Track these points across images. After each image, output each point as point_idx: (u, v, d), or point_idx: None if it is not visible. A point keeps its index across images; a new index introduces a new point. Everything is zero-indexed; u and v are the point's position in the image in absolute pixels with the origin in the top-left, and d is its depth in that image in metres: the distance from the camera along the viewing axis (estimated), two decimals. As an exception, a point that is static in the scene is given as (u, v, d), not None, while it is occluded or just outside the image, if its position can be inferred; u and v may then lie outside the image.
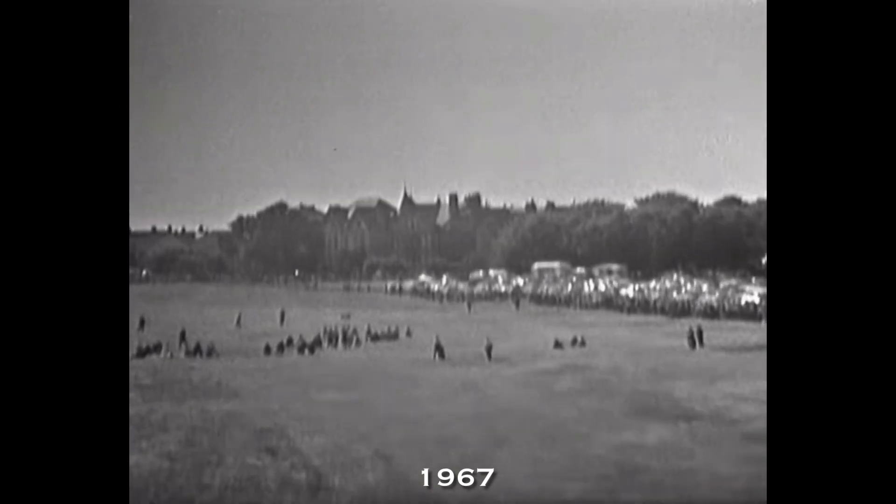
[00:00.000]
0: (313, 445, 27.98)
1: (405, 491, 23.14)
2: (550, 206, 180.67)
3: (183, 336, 61.55)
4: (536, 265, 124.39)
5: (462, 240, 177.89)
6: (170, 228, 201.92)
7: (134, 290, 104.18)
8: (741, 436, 28.14)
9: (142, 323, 70.44)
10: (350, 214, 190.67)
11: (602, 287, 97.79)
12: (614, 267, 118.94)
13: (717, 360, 46.55)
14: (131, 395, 34.68)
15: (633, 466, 25.77)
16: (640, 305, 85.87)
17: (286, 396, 37.62)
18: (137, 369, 45.52)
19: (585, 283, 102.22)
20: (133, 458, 25.20)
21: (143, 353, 56.12)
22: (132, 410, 31.67)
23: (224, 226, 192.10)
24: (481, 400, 37.25)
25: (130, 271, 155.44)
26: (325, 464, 25.70)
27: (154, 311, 77.31)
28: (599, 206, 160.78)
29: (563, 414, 33.93)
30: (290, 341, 61.03)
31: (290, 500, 22.10)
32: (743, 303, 76.27)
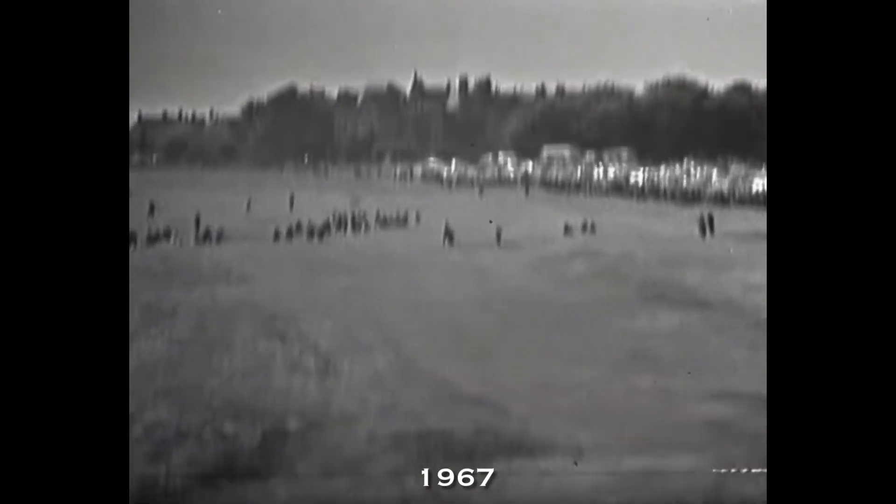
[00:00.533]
0: (322, 331, 27.96)
1: (414, 375, 23.15)
2: (560, 90, 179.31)
3: (198, 221, 61.11)
4: (546, 149, 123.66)
5: (472, 124, 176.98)
6: (180, 114, 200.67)
7: (144, 176, 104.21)
8: (755, 323, 27.96)
9: (151, 209, 70.07)
10: (360, 99, 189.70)
11: (611, 173, 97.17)
12: (624, 153, 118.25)
13: (728, 248, 46.27)
14: (140, 281, 34.64)
15: (645, 352, 25.72)
16: (650, 192, 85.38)
17: (295, 282, 37.60)
18: (147, 256, 45.53)
19: (595, 169, 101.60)
20: (142, 345, 25.24)
21: (152, 239, 55.92)
22: (142, 297, 31.67)
23: (235, 108, 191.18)
24: (491, 285, 37.18)
25: (140, 158, 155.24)
26: (334, 349, 25.68)
27: (164, 197, 77.03)
28: (609, 91, 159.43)
29: (573, 299, 33.87)
30: (298, 227, 60.81)
31: (299, 385, 22.09)
32: (753, 191, 75.70)
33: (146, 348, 24.98)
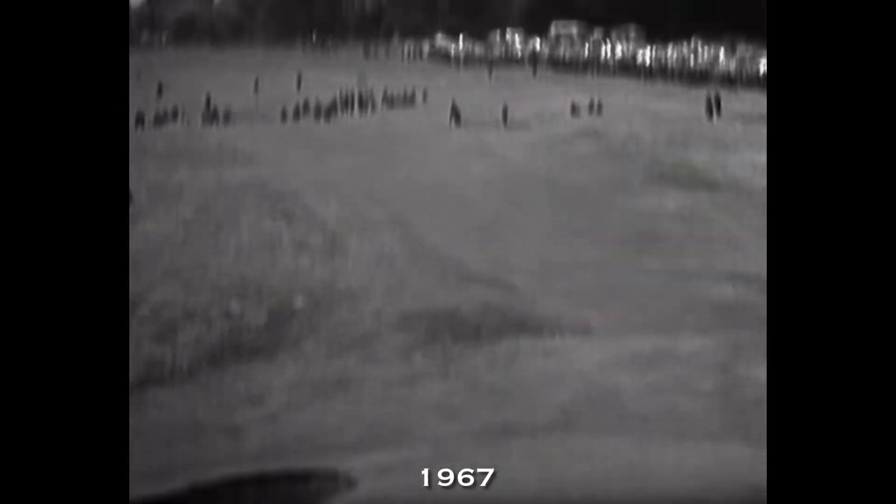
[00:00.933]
0: (329, 210, 27.89)
1: (421, 254, 23.15)
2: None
3: (208, 101, 60.70)
4: (554, 26, 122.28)
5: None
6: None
7: (152, 56, 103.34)
8: (762, 204, 27.87)
9: (160, 89, 69.60)
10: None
11: (619, 52, 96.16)
12: (632, 31, 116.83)
13: (735, 130, 45.91)
14: (147, 163, 34.51)
15: (652, 232, 25.68)
16: (658, 72, 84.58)
17: (302, 162, 37.41)
18: (154, 137, 45.33)
19: (603, 47, 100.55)
20: (149, 225, 25.22)
21: (160, 119, 55.64)
22: (148, 178, 31.58)
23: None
24: (497, 164, 36.98)
25: (150, 38, 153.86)
26: (341, 228, 25.65)
27: (172, 77, 76.44)
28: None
29: (580, 179, 33.72)
30: (306, 106, 60.47)
31: (306, 264, 22.10)
32: (760, 73, 74.74)
33: (153, 229, 24.95)
